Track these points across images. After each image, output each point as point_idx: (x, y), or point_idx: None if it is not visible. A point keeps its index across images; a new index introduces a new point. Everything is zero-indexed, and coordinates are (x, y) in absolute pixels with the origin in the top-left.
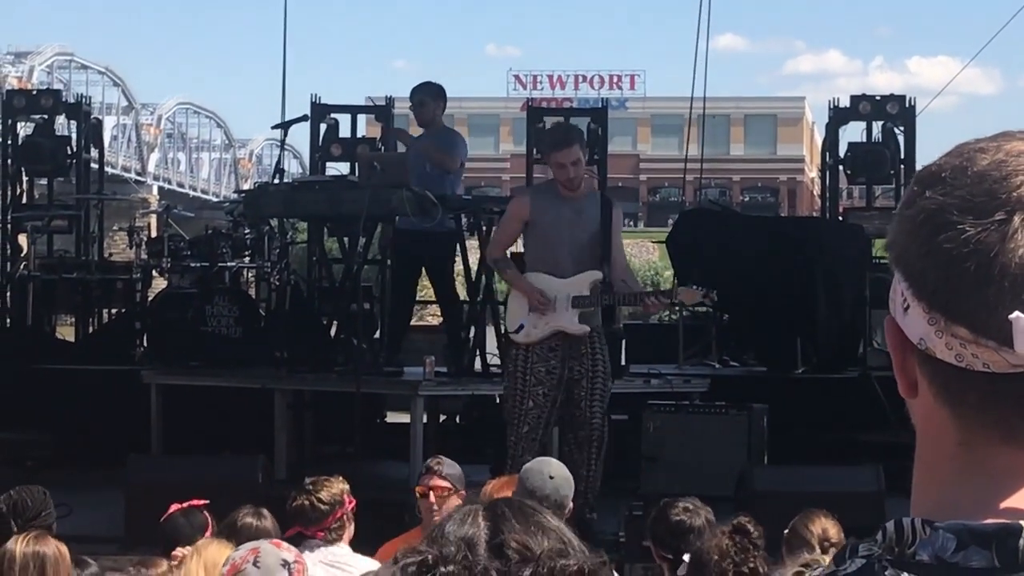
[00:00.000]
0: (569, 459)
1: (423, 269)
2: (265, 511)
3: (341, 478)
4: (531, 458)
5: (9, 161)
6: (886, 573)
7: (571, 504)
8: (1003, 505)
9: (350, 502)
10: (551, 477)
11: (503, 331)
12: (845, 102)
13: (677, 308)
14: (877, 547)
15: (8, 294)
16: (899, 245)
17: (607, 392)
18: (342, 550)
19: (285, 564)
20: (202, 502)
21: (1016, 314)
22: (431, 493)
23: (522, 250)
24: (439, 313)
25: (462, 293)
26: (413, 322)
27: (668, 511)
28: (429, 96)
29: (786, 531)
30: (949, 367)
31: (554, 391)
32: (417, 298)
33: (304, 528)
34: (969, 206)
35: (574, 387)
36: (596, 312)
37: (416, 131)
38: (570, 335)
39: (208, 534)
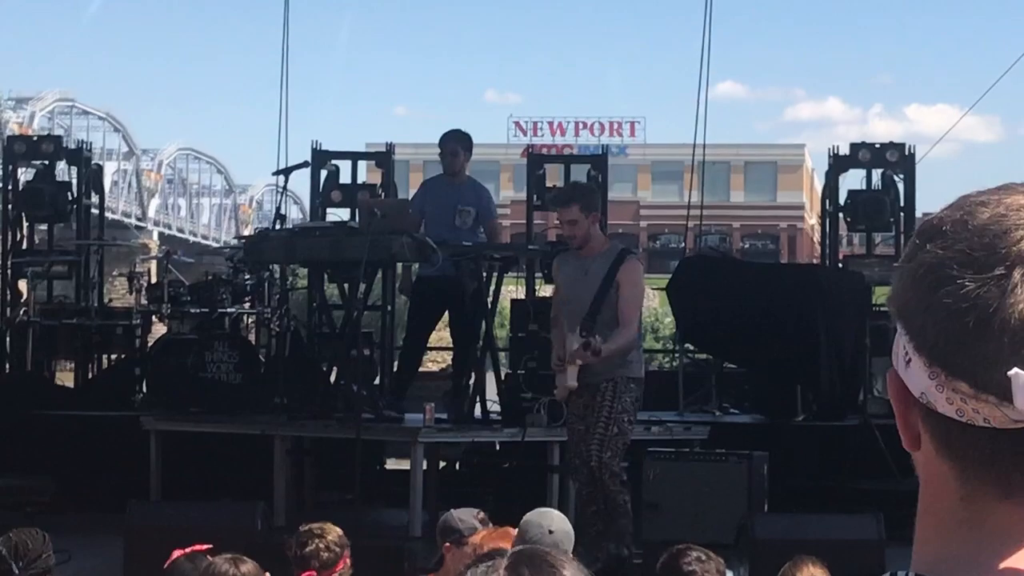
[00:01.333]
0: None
1: (441, 317)
2: (244, 558)
3: (334, 524)
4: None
5: (10, 207)
6: None
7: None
8: (1002, 565)
9: None
10: (551, 531)
11: (503, 377)
12: (845, 150)
13: (676, 355)
14: None
15: (8, 339)
16: (900, 298)
17: (608, 436)
18: None
19: None
20: (206, 547)
21: (1016, 370)
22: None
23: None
24: (438, 359)
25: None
26: None
27: (680, 560)
28: (462, 147)
29: None
30: (950, 421)
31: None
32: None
33: (318, 573)
34: (969, 260)
35: (572, 434)
36: (607, 363)
37: (415, 176)
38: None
39: None
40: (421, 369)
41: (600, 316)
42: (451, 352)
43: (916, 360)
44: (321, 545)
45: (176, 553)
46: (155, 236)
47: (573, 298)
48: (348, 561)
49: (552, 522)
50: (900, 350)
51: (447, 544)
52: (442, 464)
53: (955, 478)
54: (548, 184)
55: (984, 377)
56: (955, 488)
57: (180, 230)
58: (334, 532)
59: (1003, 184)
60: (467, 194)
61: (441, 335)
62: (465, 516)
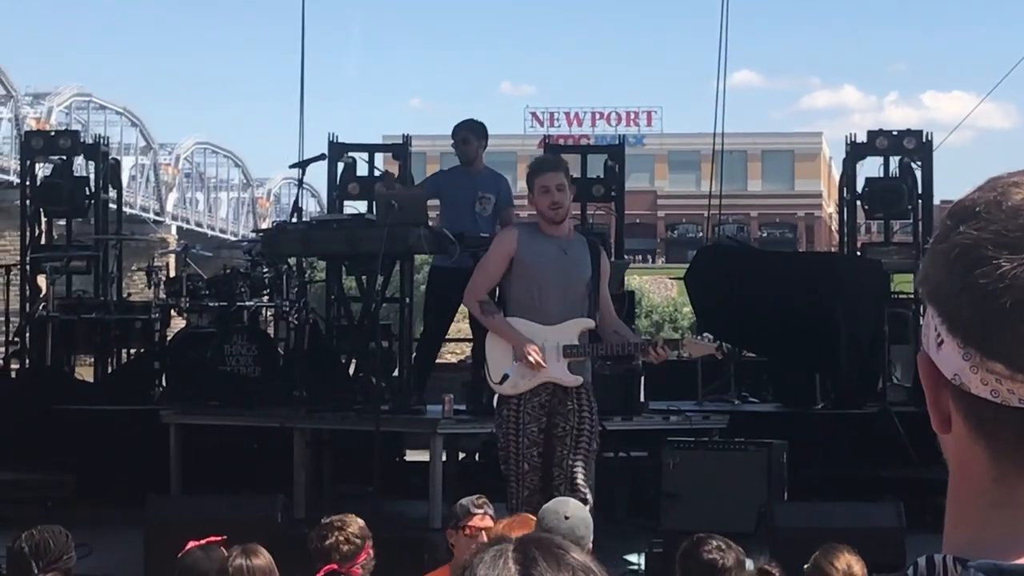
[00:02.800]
0: None
1: (458, 307)
2: (259, 548)
3: (355, 516)
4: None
5: (28, 202)
6: None
7: (590, 544)
8: None
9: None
10: (567, 517)
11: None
12: (862, 137)
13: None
14: None
15: (27, 335)
16: (932, 280)
17: (592, 453)
18: None
19: None
20: (219, 538)
21: None
22: (483, 533)
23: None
24: (456, 351)
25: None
26: None
27: (700, 548)
28: (475, 135)
29: (806, 566)
30: (984, 403)
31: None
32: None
33: (339, 566)
34: (1004, 241)
35: (557, 445)
36: (586, 364)
37: (432, 168)
38: (559, 387)
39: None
40: (440, 361)
41: (594, 310)
42: (469, 343)
43: (949, 342)
44: (341, 538)
45: (190, 544)
46: (173, 230)
47: (555, 280)
48: (371, 552)
49: (568, 509)
50: (931, 332)
51: (448, 530)
52: (461, 455)
53: (988, 459)
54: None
55: (1020, 358)
56: (987, 470)
57: (198, 224)
58: (355, 524)
59: None
60: (486, 181)
61: (459, 326)
62: (464, 501)
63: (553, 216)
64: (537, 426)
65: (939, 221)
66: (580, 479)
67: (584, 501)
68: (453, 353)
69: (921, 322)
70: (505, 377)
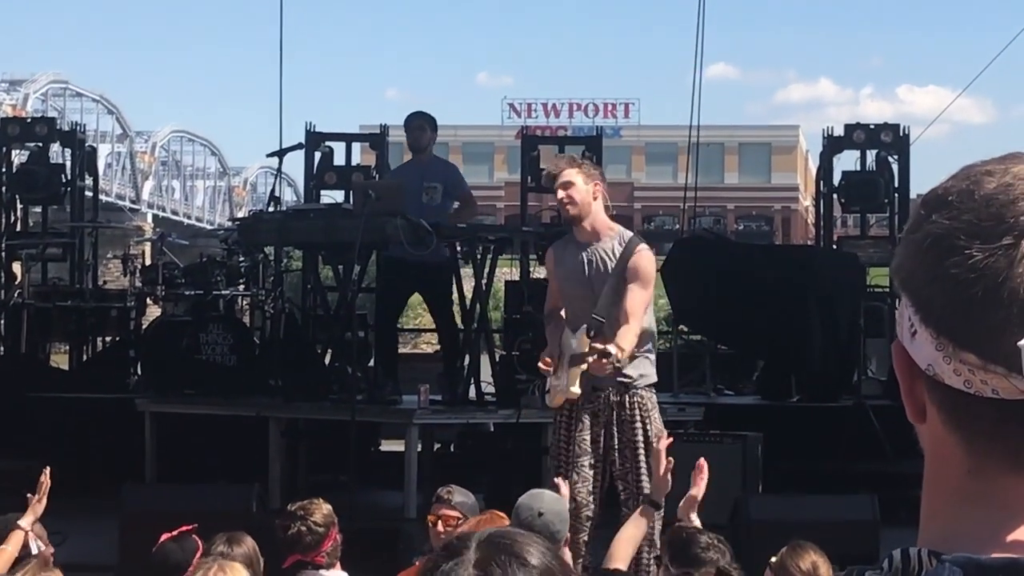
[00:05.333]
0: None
1: (409, 298)
2: (243, 536)
3: (323, 500)
4: (585, 539)
5: (3, 189)
6: None
7: (568, 535)
8: (1010, 538)
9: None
10: (541, 513)
11: (497, 359)
12: (839, 131)
13: (670, 336)
14: (883, 575)
15: (2, 322)
16: (905, 270)
17: (647, 463)
18: (343, 575)
19: None
20: (191, 527)
21: None
22: (439, 522)
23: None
24: (432, 341)
25: (457, 321)
26: (409, 350)
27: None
28: (428, 123)
29: (773, 560)
30: (958, 393)
31: (601, 461)
32: (412, 327)
33: (303, 555)
34: (976, 230)
35: (617, 457)
36: (641, 361)
37: (409, 157)
38: (610, 395)
39: (198, 557)
40: (415, 351)
41: (611, 315)
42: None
43: (922, 332)
44: (303, 528)
45: (163, 537)
46: (149, 218)
47: (577, 293)
48: (337, 538)
49: (543, 503)
50: (905, 322)
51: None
52: (437, 446)
53: (962, 451)
54: (542, 165)
55: (992, 348)
56: (962, 461)
57: (174, 212)
58: (319, 511)
59: (1008, 153)
60: (432, 171)
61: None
62: (440, 490)
63: (569, 217)
64: (591, 435)
65: (913, 210)
66: (647, 490)
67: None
68: (429, 343)
69: (896, 316)
70: (547, 391)
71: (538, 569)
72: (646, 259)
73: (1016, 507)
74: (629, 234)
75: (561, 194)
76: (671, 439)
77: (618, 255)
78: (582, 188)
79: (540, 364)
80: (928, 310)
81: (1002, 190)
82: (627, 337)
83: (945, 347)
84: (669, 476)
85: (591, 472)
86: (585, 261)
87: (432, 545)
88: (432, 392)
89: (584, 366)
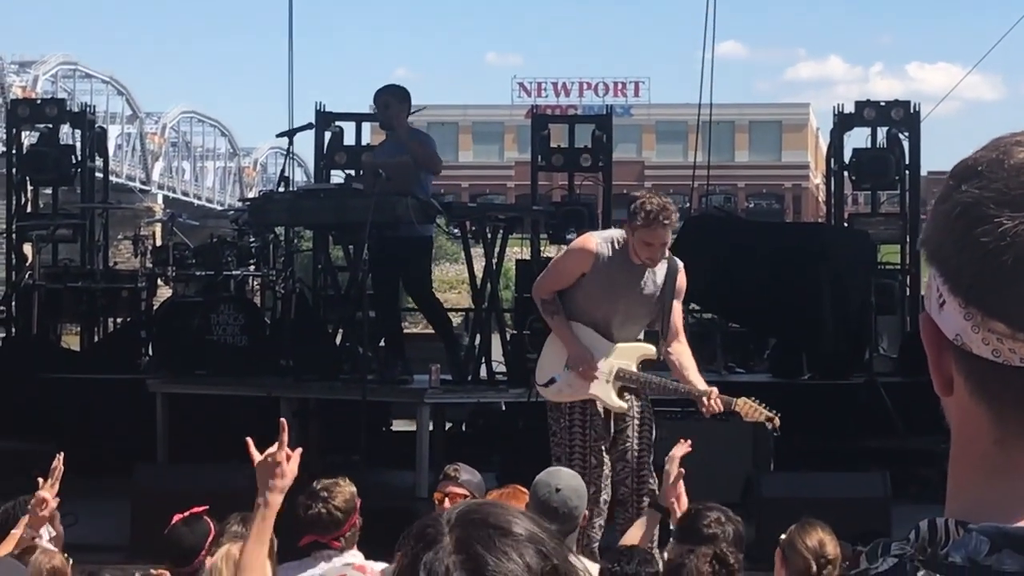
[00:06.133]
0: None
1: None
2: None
3: (349, 480)
4: (601, 523)
5: (14, 170)
6: (918, 574)
7: (585, 512)
8: None
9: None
10: (558, 490)
11: (508, 338)
12: (849, 108)
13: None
14: (910, 546)
15: (13, 303)
16: (934, 241)
17: (652, 439)
18: (358, 557)
19: None
20: (202, 508)
21: None
22: (446, 500)
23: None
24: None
25: (467, 301)
26: (418, 330)
27: (699, 522)
28: (394, 97)
29: (782, 537)
30: (986, 363)
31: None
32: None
33: (320, 536)
34: (1006, 199)
35: (619, 438)
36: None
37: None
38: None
39: (211, 539)
40: (427, 331)
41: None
42: (459, 313)
43: (951, 302)
44: (324, 511)
45: (175, 518)
46: (159, 199)
47: (625, 305)
48: (357, 523)
49: (560, 480)
50: (933, 293)
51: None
52: (448, 425)
53: (990, 421)
54: (552, 145)
55: (1021, 317)
56: (989, 431)
57: (184, 193)
58: (342, 495)
59: None
60: (404, 145)
61: (445, 296)
62: (447, 467)
63: (647, 263)
64: (601, 420)
65: (925, 190)
66: (646, 471)
67: (650, 496)
68: None
69: (909, 292)
70: (551, 381)
71: (524, 536)
72: (684, 278)
73: None
74: (669, 258)
75: (657, 253)
76: (689, 447)
77: (664, 276)
78: (667, 248)
79: (584, 371)
80: (957, 279)
81: None
82: (693, 362)
83: (974, 316)
84: (680, 486)
85: (607, 457)
86: (639, 286)
87: None
88: (443, 372)
89: (632, 386)
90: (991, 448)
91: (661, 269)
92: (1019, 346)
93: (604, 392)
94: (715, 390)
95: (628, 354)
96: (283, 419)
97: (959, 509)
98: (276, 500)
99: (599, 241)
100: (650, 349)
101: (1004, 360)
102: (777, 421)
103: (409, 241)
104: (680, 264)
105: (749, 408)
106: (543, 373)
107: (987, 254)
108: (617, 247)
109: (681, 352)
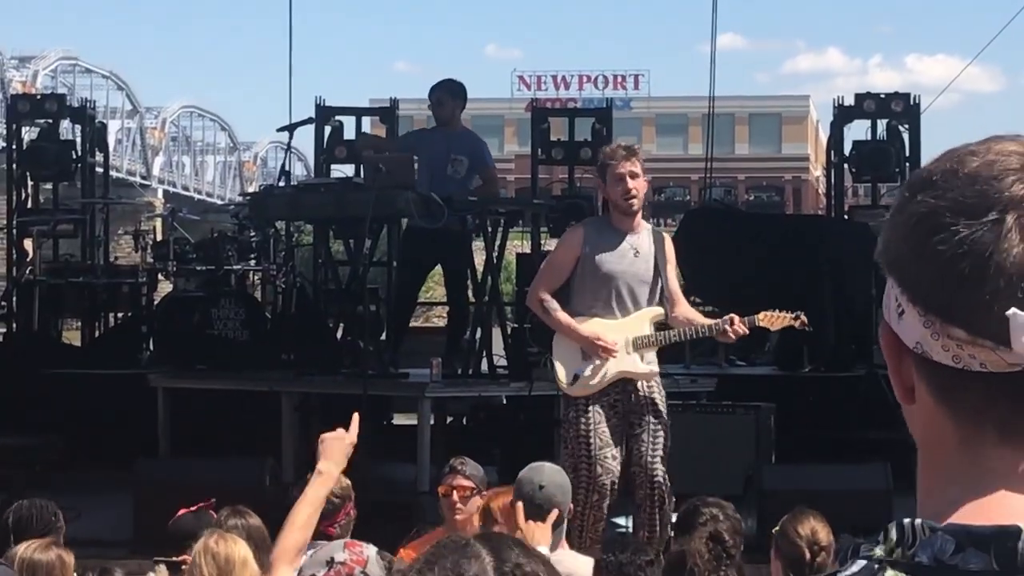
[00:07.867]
0: (637, 517)
1: (431, 270)
2: (248, 511)
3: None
4: (601, 528)
5: (14, 166)
6: (886, 574)
7: (570, 506)
8: (1000, 506)
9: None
10: (542, 487)
11: (509, 331)
12: (849, 100)
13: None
14: (879, 548)
15: (14, 299)
16: (892, 250)
17: (667, 444)
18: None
19: (330, 562)
20: (209, 502)
21: (1013, 310)
22: (454, 492)
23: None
24: (444, 315)
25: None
26: (419, 324)
27: (695, 518)
28: (450, 95)
29: (775, 529)
30: (947, 369)
31: (619, 454)
32: (424, 300)
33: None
34: (961, 207)
35: (634, 444)
36: (653, 355)
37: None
38: (628, 385)
39: None
40: (428, 325)
41: (670, 296)
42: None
43: (910, 311)
44: None
45: (181, 511)
46: (160, 194)
47: (628, 275)
48: (351, 512)
49: (543, 477)
50: (892, 302)
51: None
52: (449, 419)
53: (953, 425)
54: (552, 138)
55: (980, 322)
56: (953, 435)
57: (185, 188)
58: (337, 483)
59: (990, 136)
60: (460, 143)
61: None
62: (452, 461)
63: (627, 207)
64: (609, 427)
65: (897, 193)
66: (660, 477)
67: (661, 501)
68: (441, 317)
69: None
70: (576, 378)
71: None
72: (672, 247)
73: (1005, 477)
74: (648, 224)
75: (630, 184)
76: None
77: (652, 244)
78: (643, 183)
79: (604, 347)
80: (915, 288)
81: (985, 167)
82: (700, 315)
83: (933, 324)
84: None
85: (614, 464)
86: (634, 252)
87: (445, 515)
88: (443, 366)
89: (652, 348)
90: (955, 450)
91: (646, 236)
92: (979, 351)
93: (630, 364)
94: (735, 316)
95: (639, 323)
96: (356, 413)
97: (928, 510)
98: (335, 473)
99: (582, 223)
100: (657, 310)
101: (964, 366)
102: (804, 318)
103: (448, 234)
104: (665, 234)
105: (772, 318)
106: (566, 373)
107: (945, 262)
108: (601, 223)
109: (685, 311)
